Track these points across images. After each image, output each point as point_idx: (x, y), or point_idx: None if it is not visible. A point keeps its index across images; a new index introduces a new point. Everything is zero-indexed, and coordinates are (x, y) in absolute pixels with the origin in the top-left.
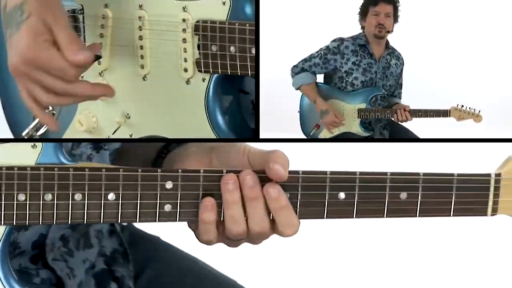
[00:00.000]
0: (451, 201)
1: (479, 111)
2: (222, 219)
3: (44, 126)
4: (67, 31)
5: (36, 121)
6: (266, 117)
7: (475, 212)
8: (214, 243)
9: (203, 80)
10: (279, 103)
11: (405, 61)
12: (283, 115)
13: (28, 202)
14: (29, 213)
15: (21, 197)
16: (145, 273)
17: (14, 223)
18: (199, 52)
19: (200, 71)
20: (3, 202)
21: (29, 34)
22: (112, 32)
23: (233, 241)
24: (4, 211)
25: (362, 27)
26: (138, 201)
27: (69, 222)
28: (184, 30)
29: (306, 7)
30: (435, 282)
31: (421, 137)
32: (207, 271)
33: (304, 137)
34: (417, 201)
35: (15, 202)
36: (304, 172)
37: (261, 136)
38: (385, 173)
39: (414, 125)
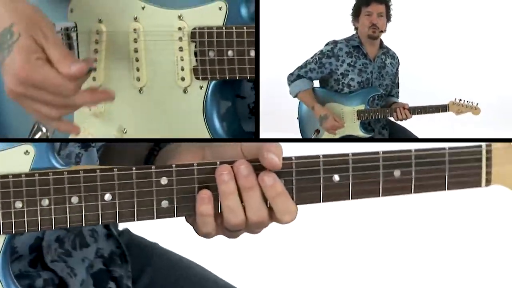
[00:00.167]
0: (445, 175)
1: (477, 103)
2: (219, 211)
3: (41, 131)
4: (58, 47)
5: (33, 127)
6: (266, 118)
7: (469, 184)
8: (213, 235)
9: (201, 87)
10: (279, 103)
11: (402, 60)
12: (283, 115)
13: (25, 209)
14: (27, 220)
15: (18, 204)
16: (142, 278)
17: (14, 232)
18: (196, 59)
19: (197, 78)
20: (0, 211)
21: (21, 54)
22: (106, 46)
23: (232, 232)
24: (2, 220)
25: (356, 28)
26: (135, 199)
27: (68, 226)
28: (180, 38)
29: (304, 8)
30: (433, 275)
31: (420, 136)
32: (205, 277)
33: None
34: (411, 178)
35: (12, 210)
36: (297, 158)
37: (261, 136)
38: (377, 152)
39: (414, 124)
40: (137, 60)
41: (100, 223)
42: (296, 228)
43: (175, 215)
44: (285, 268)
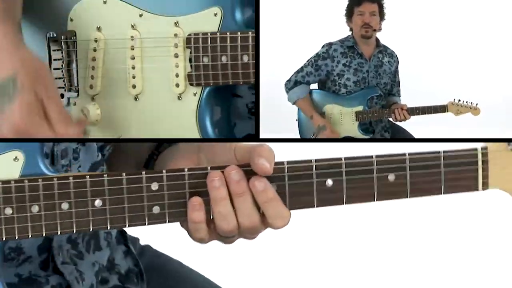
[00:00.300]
0: (441, 179)
1: (476, 104)
2: (211, 217)
3: None
4: (58, 106)
5: None
6: (266, 117)
7: (466, 188)
8: (207, 241)
9: (194, 94)
10: (279, 103)
11: (402, 60)
12: (283, 115)
13: (15, 215)
14: (17, 226)
15: (8, 210)
16: None
17: (4, 238)
18: (191, 66)
19: (191, 84)
20: None
21: (22, 109)
22: (104, 54)
23: (225, 238)
24: None
25: (351, 29)
26: (126, 205)
27: (59, 233)
28: (176, 45)
29: (303, 10)
30: (432, 278)
31: (421, 137)
32: None
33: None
34: (406, 182)
35: (2, 217)
36: (289, 162)
37: (261, 136)
38: (371, 156)
39: (414, 125)
40: (133, 67)
41: (91, 229)
42: (293, 231)
43: (167, 221)
44: (284, 273)
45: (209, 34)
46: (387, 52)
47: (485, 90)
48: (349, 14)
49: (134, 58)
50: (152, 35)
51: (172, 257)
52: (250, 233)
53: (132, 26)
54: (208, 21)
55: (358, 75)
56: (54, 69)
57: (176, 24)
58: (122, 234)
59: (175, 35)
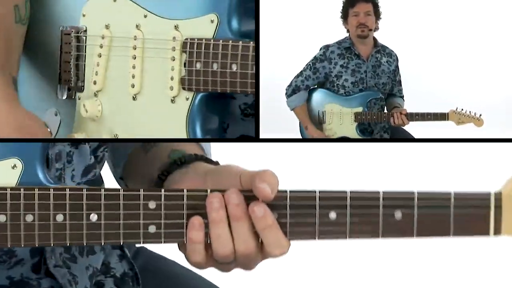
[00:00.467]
0: (450, 221)
1: (480, 115)
2: (209, 240)
3: None
4: None
5: None
6: (266, 117)
7: (476, 232)
8: (204, 266)
9: (186, 99)
10: (279, 103)
11: (402, 60)
12: (283, 115)
13: (8, 222)
14: (10, 234)
15: (2, 217)
16: None
17: None
18: (185, 70)
19: (184, 88)
20: None
21: None
22: (108, 52)
23: (222, 265)
24: None
25: (347, 30)
26: (121, 222)
27: (52, 244)
28: (173, 48)
29: (302, 11)
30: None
31: (420, 136)
32: None
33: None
34: (413, 221)
35: None
36: (292, 191)
37: (261, 136)
38: (377, 192)
39: (415, 127)
40: (133, 67)
41: (85, 243)
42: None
43: (163, 241)
44: (282, 273)
45: (203, 40)
46: (385, 52)
47: (485, 90)
48: (345, 15)
49: (135, 58)
50: (154, 36)
51: (167, 257)
52: (246, 260)
53: (137, 26)
54: (205, 27)
55: (356, 75)
56: (64, 62)
57: (176, 27)
58: None
59: (174, 38)
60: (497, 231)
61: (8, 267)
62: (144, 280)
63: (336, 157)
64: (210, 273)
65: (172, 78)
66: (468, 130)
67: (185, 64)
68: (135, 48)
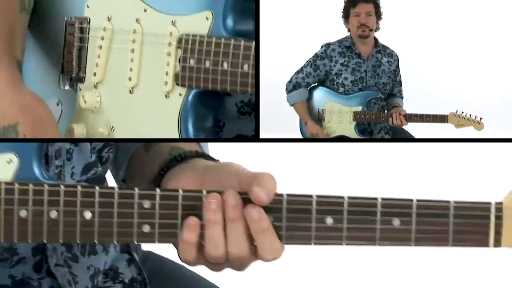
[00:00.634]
0: (449, 230)
1: (481, 118)
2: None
3: None
4: None
5: None
6: (266, 117)
7: (475, 243)
8: (194, 264)
9: (180, 94)
10: (279, 103)
11: (404, 62)
12: (283, 115)
13: (2, 217)
14: (4, 229)
15: None
16: None
17: None
18: (180, 66)
19: (177, 84)
20: None
21: None
22: (108, 44)
23: (213, 265)
24: None
25: (348, 30)
26: (115, 220)
27: (45, 240)
28: (169, 43)
29: (303, 10)
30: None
31: (420, 136)
32: None
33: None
34: (411, 229)
35: None
36: (288, 195)
37: (261, 136)
38: (375, 198)
39: (415, 127)
40: (131, 60)
41: (78, 240)
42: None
43: (157, 241)
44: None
45: (198, 36)
46: (386, 52)
47: (485, 90)
48: (346, 15)
49: (133, 51)
50: (152, 31)
51: (175, 261)
52: (238, 263)
53: (137, 20)
54: (200, 23)
55: (355, 74)
56: (67, 52)
57: (173, 23)
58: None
59: (171, 33)
60: (497, 243)
61: (10, 266)
62: (152, 284)
63: (336, 157)
64: (213, 273)
65: (167, 73)
66: (468, 131)
67: (179, 60)
68: (134, 42)
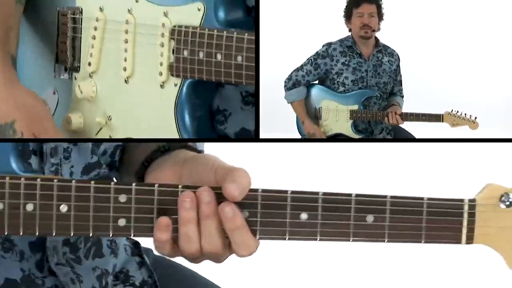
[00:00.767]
0: (422, 227)
1: (475, 117)
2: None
3: None
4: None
5: None
6: (266, 117)
7: (448, 239)
8: (171, 256)
9: (175, 85)
10: (279, 103)
11: (404, 62)
12: (283, 115)
13: None
14: None
15: None
16: None
17: None
18: (174, 57)
19: (172, 75)
20: None
21: None
22: (102, 34)
23: (190, 258)
24: None
25: (350, 29)
26: (91, 214)
27: (21, 234)
28: (162, 34)
29: (304, 8)
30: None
31: (419, 136)
32: None
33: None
34: (385, 225)
35: None
36: (263, 190)
37: (261, 136)
38: (350, 195)
39: (416, 127)
40: (125, 50)
41: (54, 234)
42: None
43: (132, 235)
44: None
45: (190, 28)
46: (387, 51)
47: (484, 90)
48: (348, 15)
49: (127, 42)
50: (144, 22)
51: (185, 266)
52: (213, 257)
53: (129, 11)
54: (192, 15)
55: (356, 74)
56: (61, 42)
57: (165, 14)
58: (136, 245)
59: (163, 24)
60: (469, 240)
61: (18, 259)
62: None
63: (336, 157)
64: (216, 274)
65: (161, 64)
66: (466, 131)
67: (173, 51)
68: (127, 32)
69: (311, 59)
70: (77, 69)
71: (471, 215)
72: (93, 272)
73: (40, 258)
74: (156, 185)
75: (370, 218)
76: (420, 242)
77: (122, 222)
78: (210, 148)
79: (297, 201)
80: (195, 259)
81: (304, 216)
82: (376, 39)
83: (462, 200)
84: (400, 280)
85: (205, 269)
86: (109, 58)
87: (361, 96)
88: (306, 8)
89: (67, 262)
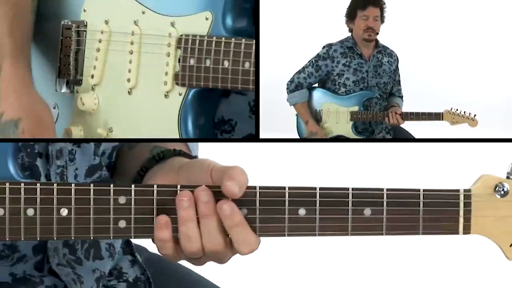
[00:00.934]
0: (419, 218)
1: (475, 115)
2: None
3: None
4: None
5: None
6: (266, 117)
7: (445, 230)
8: (175, 259)
9: (179, 94)
10: (279, 104)
11: (403, 62)
12: (283, 115)
13: None
14: None
15: None
16: None
17: None
18: (179, 65)
19: (177, 84)
20: None
21: None
22: (106, 46)
23: (192, 259)
24: None
25: (350, 30)
26: (91, 216)
27: (22, 239)
28: (169, 44)
29: (304, 10)
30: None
31: (419, 135)
32: None
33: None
34: (383, 218)
35: None
36: (261, 187)
37: (261, 136)
38: (347, 189)
39: (416, 127)
40: (130, 61)
41: (55, 238)
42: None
43: (133, 236)
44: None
45: (198, 36)
46: (386, 52)
47: (484, 90)
48: (351, 16)
49: (132, 53)
50: (150, 32)
51: (180, 264)
52: (216, 256)
53: (135, 22)
54: (199, 24)
55: (357, 74)
56: (64, 55)
57: (172, 24)
58: (128, 245)
59: (170, 34)
60: (466, 230)
61: (11, 264)
62: (157, 285)
63: (336, 157)
64: (216, 274)
65: (166, 74)
66: (466, 130)
67: (179, 60)
68: (132, 43)
69: (312, 61)
70: (79, 82)
71: (467, 204)
72: (93, 274)
73: (40, 259)
74: (155, 186)
75: (367, 211)
76: (418, 233)
77: (122, 223)
78: (210, 149)
79: (295, 197)
80: (198, 259)
81: (302, 211)
82: (376, 40)
83: (457, 190)
84: (399, 274)
85: (205, 269)
86: (113, 70)
87: (361, 98)
88: (305, 9)
89: (68, 263)
